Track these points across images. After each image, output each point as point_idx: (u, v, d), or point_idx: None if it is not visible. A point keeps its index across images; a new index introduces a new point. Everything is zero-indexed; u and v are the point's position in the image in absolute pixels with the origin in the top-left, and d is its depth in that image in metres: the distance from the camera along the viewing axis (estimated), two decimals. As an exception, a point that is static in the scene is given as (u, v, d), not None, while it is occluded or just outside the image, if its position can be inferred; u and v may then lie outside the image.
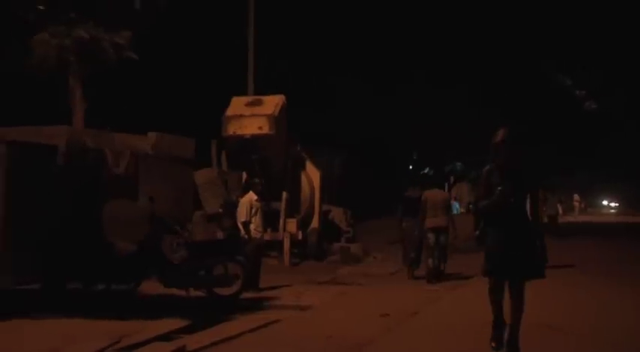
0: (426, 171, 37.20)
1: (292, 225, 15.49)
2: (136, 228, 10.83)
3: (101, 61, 10.95)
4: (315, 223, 16.21)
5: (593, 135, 42.27)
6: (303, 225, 15.84)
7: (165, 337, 7.35)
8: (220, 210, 16.09)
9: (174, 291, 10.21)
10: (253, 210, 11.44)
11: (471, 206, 32.17)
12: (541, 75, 37.10)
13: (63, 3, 10.99)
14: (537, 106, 35.52)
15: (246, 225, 11.35)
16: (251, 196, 11.61)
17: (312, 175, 16.40)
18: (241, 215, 11.42)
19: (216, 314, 8.84)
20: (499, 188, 6.32)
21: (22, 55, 11.06)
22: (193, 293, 10.19)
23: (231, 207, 13.50)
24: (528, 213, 6.53)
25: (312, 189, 16.24)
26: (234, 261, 10.71)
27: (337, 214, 18.46)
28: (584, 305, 9.77)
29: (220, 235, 13.34)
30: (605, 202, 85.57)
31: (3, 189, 9.21)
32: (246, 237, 11.33)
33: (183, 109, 18.54)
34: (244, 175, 15.78)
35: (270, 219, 13.96)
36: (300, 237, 15.36)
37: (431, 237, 12.23)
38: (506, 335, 6.36)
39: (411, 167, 40.15)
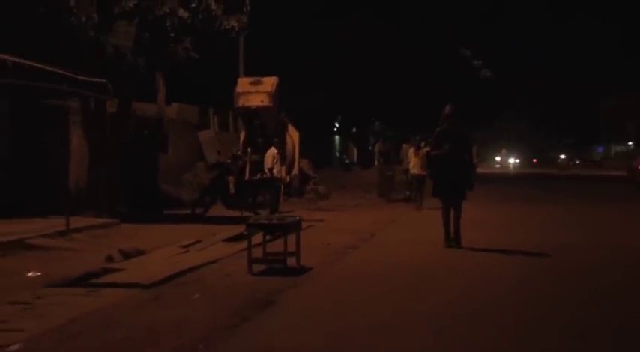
0: (353, 130, 43.29)
1: (279, 171, 21.00)
2: (210, 172, 16.37)
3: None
4: (295, 170, 21.76)
5: (492, 101, 49.39)
6: (288, 171, 21.40)
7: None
8: (217, 161, 21.39)
9: (232, 213, 15.69)
10: (275, 160, 17.03)
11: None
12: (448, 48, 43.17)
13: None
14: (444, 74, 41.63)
15: (270, 170, 16.94)
16: (273, 150, 17.14)
17: (292, 135, 21.89)
18: (267, 163, 16.96)
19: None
20: (447, 145, 10.01)
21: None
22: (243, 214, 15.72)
23: (235, 159, 18.71)
24: (466, 159, 10.11)
25: (293, 145, 21.77)
26: (268, 192, 16.40)
27: (304, 164, 24.17)
28: (496, 212, 16.13)
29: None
30: (497, 158, 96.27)
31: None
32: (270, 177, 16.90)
33: (187, 81, 23.10)
34: (242, 135, 21.08)
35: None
36: (287, 180, 20.91)
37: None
38: (452, 233, 9.95)
39: (337, 126, 46.08)
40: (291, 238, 8.35)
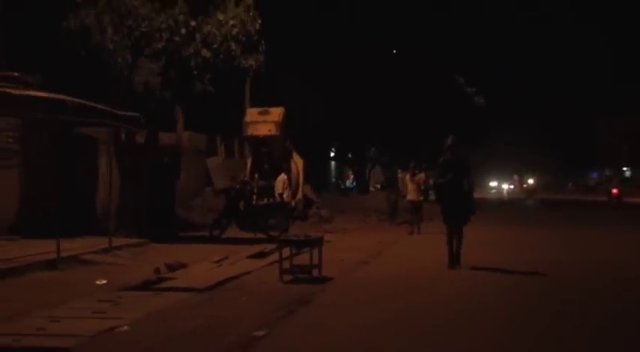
0: (349, 156, 44.88)
1: (288, 196, 22.49)
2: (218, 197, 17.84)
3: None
4: (300, 195, 23.25)
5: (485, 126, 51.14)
6: (293, 196, 22.87)
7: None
8: (225, 187, 22.91)
9: (245, 235, 17.09)
10: (285, 185, 18.53)
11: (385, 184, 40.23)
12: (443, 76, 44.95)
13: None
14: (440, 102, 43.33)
15: (281, 195, 18.41)
16: (283, 176, 18.67)
17: (297, 162, 23.37)
18: (278, 188, 18.48)
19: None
20: (450, 174, 10.76)
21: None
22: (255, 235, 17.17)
23: (243, 185, 20.15)
24: (466, 187, 10.84)
25: (297, 171, 23.25)
26: (279, 215, 17.87)
27: (307, 189, 25.68)
28: (496, 235, 17.61)
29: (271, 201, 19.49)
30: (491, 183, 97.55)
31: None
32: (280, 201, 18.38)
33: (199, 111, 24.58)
34: (249, 162, 22.56)
35: (271, 191, 20.86)
36: (292, 204, 22.37)
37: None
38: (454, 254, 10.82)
39: (333, 152, 47.63)
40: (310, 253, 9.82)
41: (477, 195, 42.22)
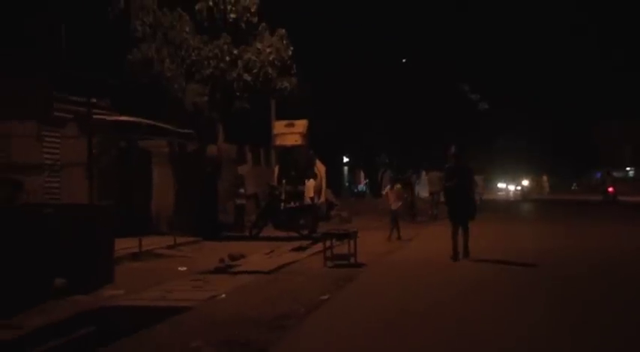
0: (361, 163, 47.45)
1: (320, 199, 24.92)
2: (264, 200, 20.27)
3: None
4: (323, 198, 25.68)
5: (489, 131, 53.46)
6: (317, 199, 25.30)
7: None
8: (255, 192, 25.44)
9: (279, 233, 19.49)
10: (315, 190, 20.95)
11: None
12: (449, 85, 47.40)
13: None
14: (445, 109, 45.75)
15: (312, 198, 20.84)
16: (312, 182, 21.11)
17: (320, 168, 25.80)
18: (309, 192, 20.93)
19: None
20: (455, 179, 12.69)
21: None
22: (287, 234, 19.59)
23: (272, 190, 22.60)
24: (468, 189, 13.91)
25: (320, 177, 25.66)
26: (308, 217, 20.30)
27: (328, 193, 28.10)
28: (501, 230, 19.93)
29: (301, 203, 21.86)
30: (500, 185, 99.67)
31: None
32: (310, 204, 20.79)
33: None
34: (277, 169, 24.98)
35: (297, 196, 23.28)
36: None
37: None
38: (461, 247, 13.37)
39: (346, 159, 50.18)
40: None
41: (485, 196, 44.59)
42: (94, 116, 13.68)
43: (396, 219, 18.60)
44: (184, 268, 11.82)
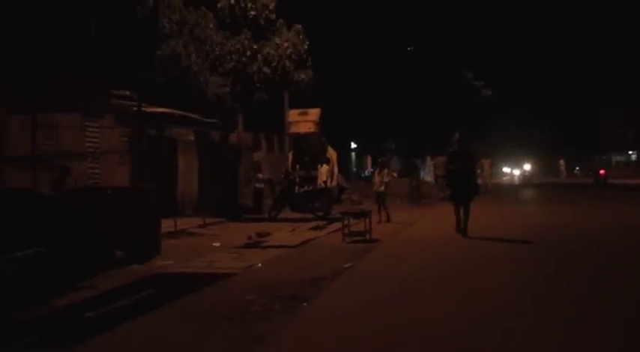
0: (368, 148, 48.93)
1: (332, 182, 26.33)
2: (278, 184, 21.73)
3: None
4: (334, 182, 27.09)
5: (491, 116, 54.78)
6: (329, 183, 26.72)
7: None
8: (269, 178, 26.87)
9: (294, 215, 20.95)
10: (328, 174, 22.36)
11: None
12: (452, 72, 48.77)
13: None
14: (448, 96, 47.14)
15: (325, 182, 22.26)
16: (326, 167, 22.50)
17: (332, 154, 27.17)
18: (322, 177, 22.34)
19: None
20: (458, 163, 13.82)
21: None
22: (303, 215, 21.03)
23: (287, 175, 24.05)
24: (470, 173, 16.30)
25: (332, 162, 27.06)
26: (322, 199, 21.74)
27: (340, 177, 29.50)
28: (499, 210, 21.35)
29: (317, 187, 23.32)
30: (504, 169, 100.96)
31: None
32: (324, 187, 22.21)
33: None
34: (291, 155, 26.38)
35: (310, 180, 24.72)
36: (330, 190, 26.22)
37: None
38: (462, 224, 14.97)
39: (354, 145, 51.62)
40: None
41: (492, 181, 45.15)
42: (133, 108, 15.09)
43: (380, 201, 19.18)
44: (218, 244, 13.28)
